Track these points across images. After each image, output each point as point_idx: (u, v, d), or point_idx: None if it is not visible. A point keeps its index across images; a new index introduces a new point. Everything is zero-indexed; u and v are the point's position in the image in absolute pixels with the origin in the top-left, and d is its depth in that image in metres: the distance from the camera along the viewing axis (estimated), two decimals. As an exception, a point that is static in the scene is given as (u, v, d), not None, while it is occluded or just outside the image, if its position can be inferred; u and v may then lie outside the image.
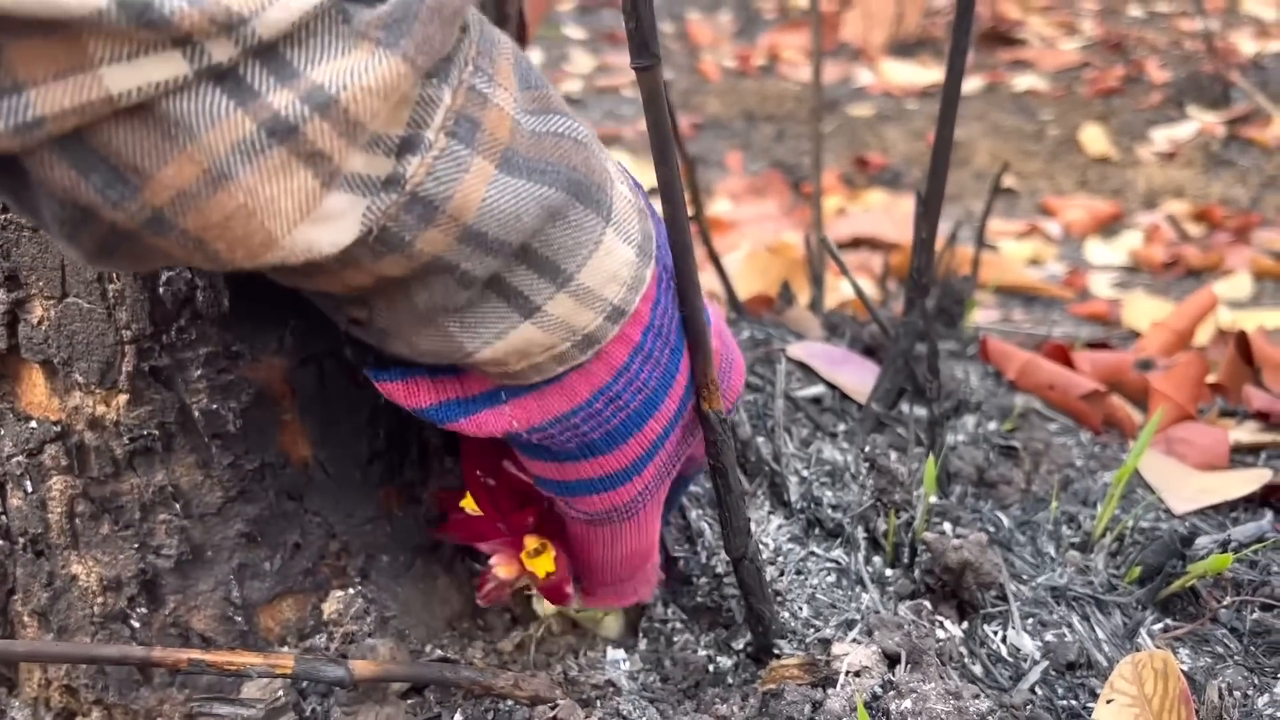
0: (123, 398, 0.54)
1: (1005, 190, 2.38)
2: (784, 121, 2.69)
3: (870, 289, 1.83)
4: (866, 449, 0.64)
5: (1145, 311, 1.69)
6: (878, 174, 2.42)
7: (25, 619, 0.59)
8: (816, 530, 0.62)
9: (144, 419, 0.54)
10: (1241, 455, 0.84)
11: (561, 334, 0.43)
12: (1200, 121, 2.58)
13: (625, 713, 0.53)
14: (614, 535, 0.51)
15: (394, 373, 0.46)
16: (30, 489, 0.57)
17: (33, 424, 0.56)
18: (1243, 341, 0.99)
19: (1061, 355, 0.90)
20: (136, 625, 0.57)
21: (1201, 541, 0.65)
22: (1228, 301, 1.85)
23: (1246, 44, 3.02)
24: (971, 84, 2.91)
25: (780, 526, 0.61)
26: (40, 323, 0.54)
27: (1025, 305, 1.85)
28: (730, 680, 0.56)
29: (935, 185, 0.68)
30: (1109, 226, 2.21)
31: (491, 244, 0.39)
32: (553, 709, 0.52)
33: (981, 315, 1.73)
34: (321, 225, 0.35)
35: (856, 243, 2.06)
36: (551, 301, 0.42)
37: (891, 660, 0.54)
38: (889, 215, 2.14)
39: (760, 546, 0.60)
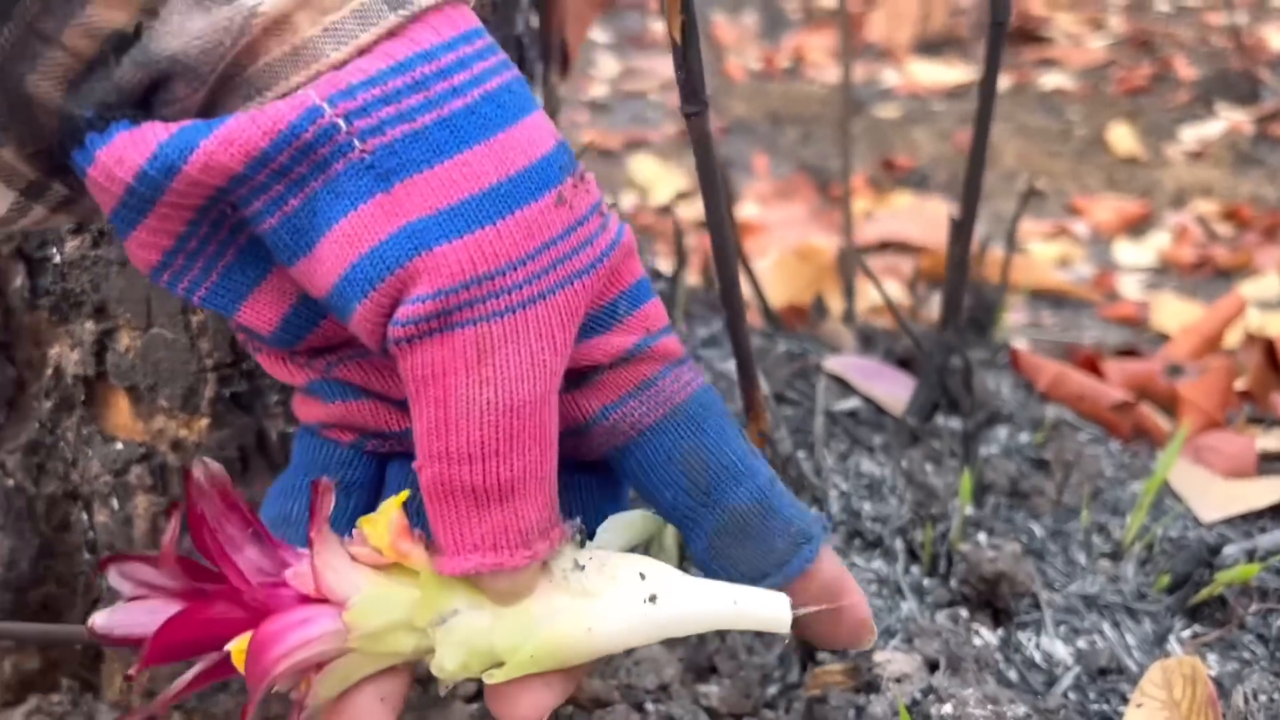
0: (204, 421, 0.57)
1: (1033, 191, 2.39)
2: (810, 124, 2.71)
3: (899, 293, 1.85)
4: (904, 464, 0.67)
5: (1174, 314, 1.71)
6: (905, 176, 2.43)
7: (110, 627, 0.63)
8: (857, 541, 0.65)
9: (224, 441, 0.57)
10: (1269, 463, 0.86)
11: None
12: (1228, 120, 2.58)
13: (676, 716, 0.56)
14: (483, 355, 0.35)
15: (120, 125, 0.34)
16: (116, 506, 0.60)
17: (119, 445, 0.59)
18: (1270, 350, 1.01)
19: (1091, 366, 0.93)
20: (215, 634, 0.61)
21: (1229, 550, 0.67)
22: (1256, 302, 1.86)
23: (1276, 39, 3.01)
24: (998, 83, 2.92)
25: (822, 538, 0.64)
26: (127, 351, 0.57)
27: (1054, 308, 1.86)
28: (775, 687, 0.59)
29: (969, 205, 0.70)
30: (1137, 227, 2.22)
31: None
32: (608, 712, 0.55)
33: (1011, 318, 1.75)
34: None
35: (884, 246, 2.09)
36: None
37: (931, 666, 0.57)
38: (916, 218, 2.16)
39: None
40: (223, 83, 0.35)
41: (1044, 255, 2.08)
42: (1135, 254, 2.10)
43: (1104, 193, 2.37)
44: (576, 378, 0.39)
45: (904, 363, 0.88)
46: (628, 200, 2.31)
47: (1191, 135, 2.54)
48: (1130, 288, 1.96)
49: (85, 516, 0.62)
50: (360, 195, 0.35)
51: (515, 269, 0.35)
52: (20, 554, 0.62)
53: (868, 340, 0.92)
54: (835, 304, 1.54)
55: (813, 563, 0.39)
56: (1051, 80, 2.88)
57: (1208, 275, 2.03)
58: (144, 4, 0.33)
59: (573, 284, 0.37)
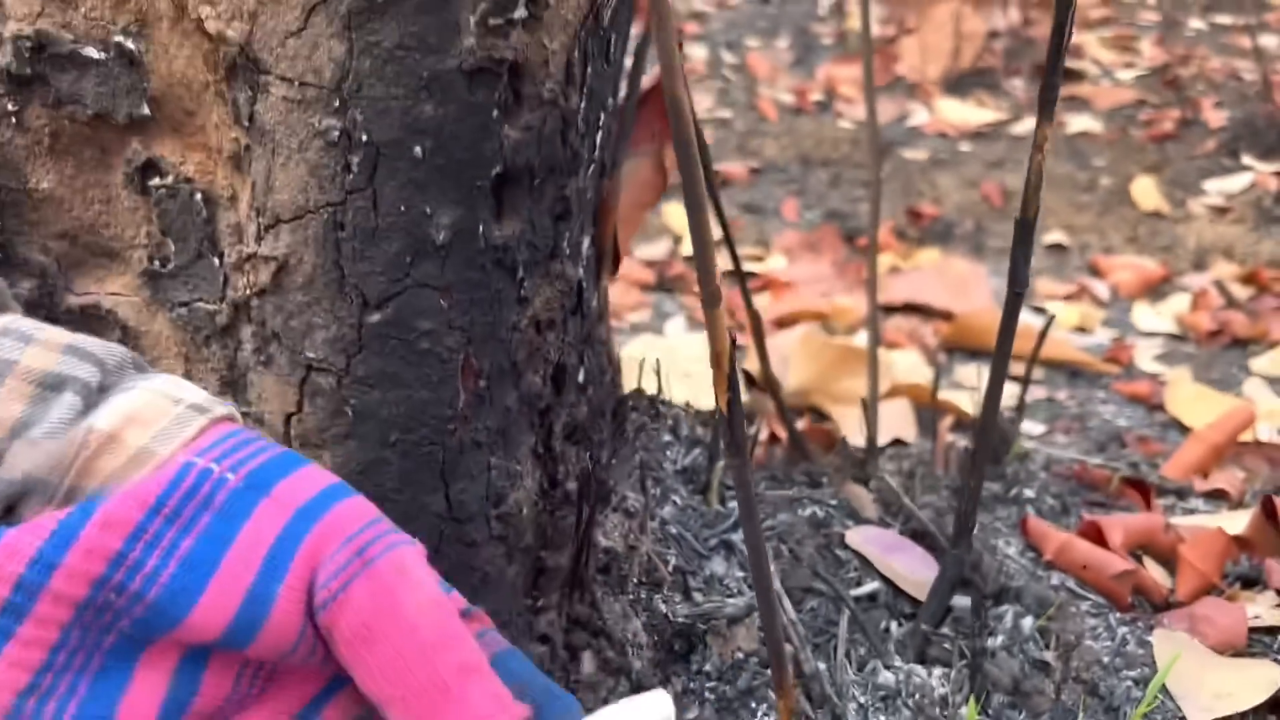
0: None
1: (1054, 246, 2.44)
2: (840, 165, 2.76)
3: (918, 361, 1.91)
4: (916, 697, 0.74)
5: (1188, 400, 1.76)
6: (930, 226, 2.48)
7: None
8: (871, 760, 0.72)
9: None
10: (1259, 635, 0.93)
11: (169, 400, 0.42)
12: (1254, 172, 2.61)
13: None
14: (403, 571, 0.42)
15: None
16: None
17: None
18: (1269, 505, 1.07)
19: (1096, 534, 1.00)
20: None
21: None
22: (1268, 377, 1.92)
23: (1305, 82, 3.02)
24: (1025, 124, 2.96)
25: (840, 758, 0.72)
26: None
27: (1070, 381, 1.92)
28: None
29: (983, 442, 0.77)
30: (1157, 289, 2.26)
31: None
32: None
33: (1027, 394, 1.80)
34: None
35: (908, 308, 2.14)
36: (146, 379, 0.44)
37: None
38: (940, 279, 2.21)
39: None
40: (70, 496, 0.40)
41: (1063, 319, 2.12)
42: (1153, 319, 2.15)
43: (1126, 249, 2.41)
44: None
45: (918, 535, 0.95)
46: (660, 248, 2.37)
47: (1216, 189, 2.57)
48: (1146, 357, 2.01)
49: None
50: (248, 509, 0.41)
51: (381, 520, 0.43)
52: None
53: (887, 506, 0.99)
54: (860, 385, 1.60)
55: None
56: (1079, 123, 2.91)
57: (1224, 344, 2.08)
58: None
59: None
